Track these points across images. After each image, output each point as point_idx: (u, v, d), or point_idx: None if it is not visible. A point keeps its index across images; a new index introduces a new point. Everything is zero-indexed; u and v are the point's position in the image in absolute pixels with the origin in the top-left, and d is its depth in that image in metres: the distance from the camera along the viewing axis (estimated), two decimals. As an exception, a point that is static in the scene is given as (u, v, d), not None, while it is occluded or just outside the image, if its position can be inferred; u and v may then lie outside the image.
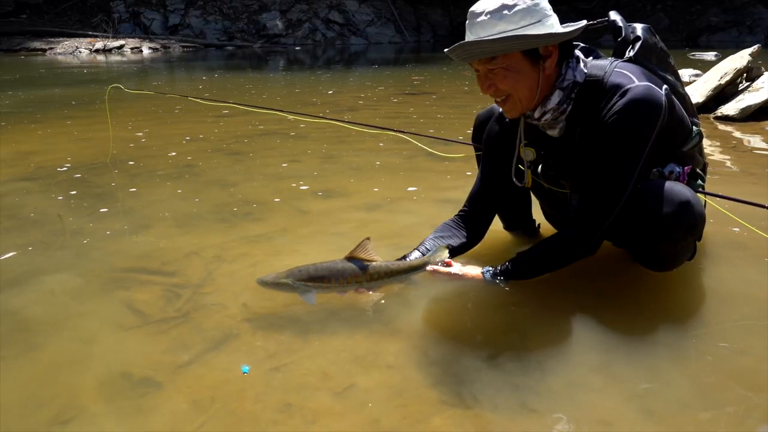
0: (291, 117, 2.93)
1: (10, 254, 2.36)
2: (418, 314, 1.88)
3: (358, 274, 1.86)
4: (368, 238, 1.91)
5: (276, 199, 3.07)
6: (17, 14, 18.96)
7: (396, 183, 3.35)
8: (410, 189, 3.20)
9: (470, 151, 2.41)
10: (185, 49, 18.38)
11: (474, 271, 1.93)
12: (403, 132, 2.68)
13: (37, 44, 16.90)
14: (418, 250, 2.04)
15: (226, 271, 2.20)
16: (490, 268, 1.91)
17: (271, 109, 2.96)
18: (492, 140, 2.06)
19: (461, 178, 3.39)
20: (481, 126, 2.16)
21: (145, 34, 19.12)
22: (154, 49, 17.91)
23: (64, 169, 3.70)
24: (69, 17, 19.91)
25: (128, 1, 20.07)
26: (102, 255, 2.37)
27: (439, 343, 1.73)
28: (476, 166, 2.23)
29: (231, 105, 3.07)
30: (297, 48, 19.60)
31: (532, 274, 1.88)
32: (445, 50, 1.73)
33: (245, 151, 4.19)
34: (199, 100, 3.20)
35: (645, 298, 1.95)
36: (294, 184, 3.32)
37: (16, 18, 18.79)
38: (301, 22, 21.53)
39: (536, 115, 1.80)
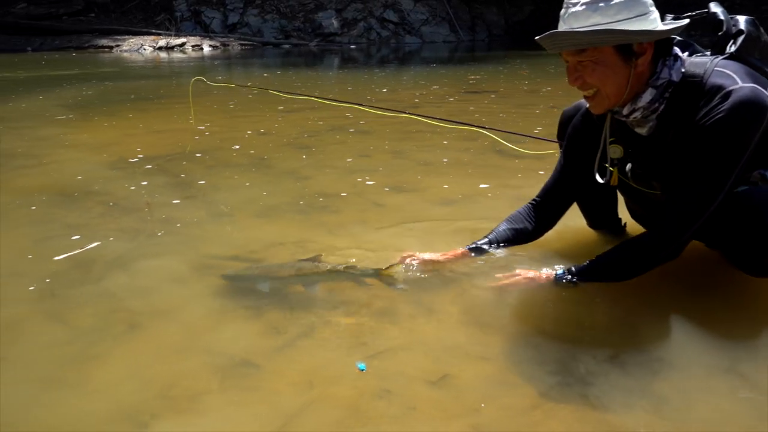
0: (370, 110, 2.95)
1: (107, 240, 2.47)
2: (504, 309, 1.88)
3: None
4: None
5: (350, 193, 3.11)
6: (86, 13, 19.78)
7: (467, 179, 3.34)
8: (482, 186, 3.18)
9: (549, 147, 2.39)
10: (243, 47, 18.78)
11: (541, 272, 1.92)
12: (486, 128, 2.66)
13: (104, 42, 17.59)
14: (488, 238, 2.11)
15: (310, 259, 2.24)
16: (563, 268, 1.89)
17: (351, 103, 2.99)
18: (575, 135, 2.03)
19: (533, 176, 3.35)
20: (566, 122, 2.13)
21: (205, 32, 19.64)
22: (214, 47, 18.37)
23: (144, 159, 3.85)
24: (134, 16, 20.65)
25: (190, 0, 20.66)
26: (189, 241, 2.45)
27: (530, 336, 1.72)
28: (550, 166, 2.21)
29: (310, 98, 3.13)
30: (352, 47, 19.74)
31: (611, 276, 1.84)
32: (536, 38, 1.70)
33: (313, 146, 4.25)
34: (279, 93, 3.27)
35: (739, 297, 1.89)
36: (365, 178, 3.36)
37: (85, 17, 19.61)
38: (356, 21, 21.67)
39: (625, 111, 1.76)
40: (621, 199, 2.25)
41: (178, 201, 2.98)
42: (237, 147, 4.21)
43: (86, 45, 17.24)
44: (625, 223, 2.32)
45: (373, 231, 2.55)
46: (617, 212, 2.31)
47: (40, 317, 1.85)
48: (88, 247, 2.37)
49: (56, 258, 2.25)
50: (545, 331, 1.75)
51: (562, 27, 1.65)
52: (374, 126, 5.07)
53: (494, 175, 3.39)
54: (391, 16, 22.25)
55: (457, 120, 2.74)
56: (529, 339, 1.70)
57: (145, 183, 3.29)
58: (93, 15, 19.83)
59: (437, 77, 9.81)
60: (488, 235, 2.12)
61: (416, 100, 6.89)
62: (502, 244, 2.11)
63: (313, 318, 1.82)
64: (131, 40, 17.79)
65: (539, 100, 6.67)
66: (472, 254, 2.09)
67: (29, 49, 16.64)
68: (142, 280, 2.10)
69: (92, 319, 1.84)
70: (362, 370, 1.54)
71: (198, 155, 3.96)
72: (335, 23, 21.43)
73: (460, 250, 2.12)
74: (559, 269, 1.91)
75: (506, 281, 1.92)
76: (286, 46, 19.67)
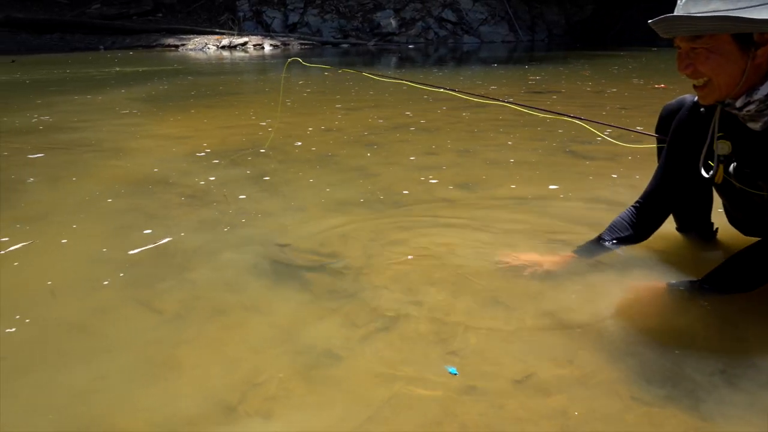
0: (464, 96, 2.95)
1: (188, 230, 2.55)
2: (592, 309, 1.83)
3: None
4: None
5: (419, 189, 3.11)
6: (154, 13, 20.55)
7: (536, 180, 3.28)
8: (552, 187, 3.11)
9: (645, 140, 2.32)
10: (303, 47, 19.08)
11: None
12: (581, 119, 2.59)
13: (170, 41, 18.21)
14: (590, 243, 2.12)
15: (385, 255, 2.25)
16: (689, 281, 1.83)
17: (445, 89, 2.99)
18: (681, 130, 1.94)
19: (606, 179, 3.27)
20: (668, 117, 2.05)
21: (266, 32, 20.05)
22: (275, 46, 18.74)
23: (215, 153, 3.95)
24: (199, 16, 21.30)
25: (252, 0, 21.15)
26: (266, 234, 2.50)
27: (622, 340, 1.66)
28: (624, 168, 2.14)
29: (403, 82, 3.14)
30: (410, 46, 19.75)
31: (740, 286, 1.77)
32: (649, 21, 1.64)
33: (380, 143, 4.27)
34: (372, 76, 3.29)
35: None
36: (433, 176, 3.34)
37: (154, 17, 20.36)
38: (415, 21, 21.67)
39: (738, 104, 1.66)
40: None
41: (251, 194, 3.05)
42: (302, 143, 4.27)
43: (154, 44, 17.89)
44: (716, 228, 2.22)
45: (446, 228, 2.53)
46: (710, 216, 2.21)
47: (127, 303, 1.92)
48: (170, 237, 2.45)
49: (139, 247, 2.34)
50: (642, 338, 1.69)
51: (679, 11, 1.58)
52: (438, 124, 5.05)
53: (564, 177, 3.31)
54: (449, 15, 22.15)
55: (547, 109, 2.69)
56: (624, 346, 1.65)
57: (218, 176, 3.38)
58: (161, 15, 20.57)
59: (496, 77, 9.68)
60: (598, 240, 2.11)
61: (476, 100, 6.81)
62: (610, 244, 2.08)
63: (392, 313, 1.82)
64: (196, 39, 18.36)
65: (605, 101, 6.49)
66: (574, 258, 2.07)
67: (102, 47, 17.40)
68: (223, 270, 2.15)
69: (177, 306, 1.89)
70: (454, 374, 1.50)
71: (263, 151, 4.03)
72: (393, 23, 21.49)
73: (561, 254, 2.10)
74: (679, 281, 1.85)
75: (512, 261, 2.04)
76: (345, 45, 19.86)
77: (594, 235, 2.20)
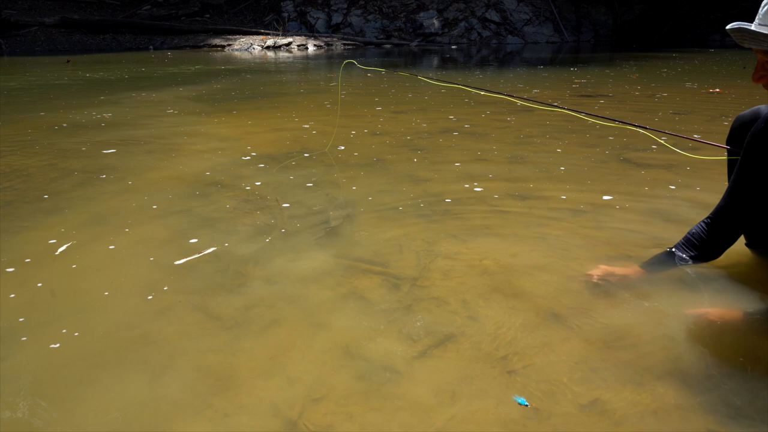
0: (523, 102, 2.91)
1: (242, 234, 2.58)
2: (661, 330, 1.76)
3: None
4: None
5: (470, 197, 3.07)
6: (202, 14, 20.97)
7: (588, 189, 3.19)
8: (606, 197, 3.02)
9: (706, 150, 2.23)
10: (346, 47, 19.17)
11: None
12: (646, 128, 2.50)
13: (217, 41, 18.55)
14: (663, 258, 2.06)
15: (440, 266, 2.22)
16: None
17: (502, 94, 2.95)
18: (756, 143, 1.86)
19: (663, 190, 3.16)
20: (741, 128, 1.97)
21: (310, 32, 20.23)
22: (318, 47, 18.89)
23: (265, 156, 3.99)
24: (245, 16, 21.64)
25: (297, 1, 21.37)
26: (319, 240, 2.50)
27: (695, 365, 1.60)
28: (683, 178, 2.06)
29: (458, 86, 3.12)
30: (453, 47, 19.63)
31: None
32: (727, 27, 1.59)
33: (429, 147, 4.24)
34: (428, 80, 3.28)
35: None
36: (483, 183, 3.30)
37: (201, 17, 20.78)
38: (458, 21, 21.53)
39: None
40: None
41: (302, 199, 3.06)
42: (348, 148, 4.27)
43: (201, 44, 18.26)
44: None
45: (500, 239, 2.49)
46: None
47: (185, 310, 1.94)
48: (225, 243, 2.47)
49: (195, 253, 2.37)
50: (716, 365, 1.62)
51: (757, 24, 1.53)
52: (484, 129, 4.99)
53: (619, 187, 3.22)
54: (493, 15, 21.93)
55: (609, 117, 2.61)
56: (697, 372, 1.58)
57: (269, 180, 3.40)
58: (208, 16, 20.97)
59: (539, 80, 9.49)
60: (659, 255, 2.08)
61: (519, 104, 6.70)
62: (680, 261, 2.03)
63: (450, 328, 1.80)
64: (241, 40, 18.65)
65: (657, 107, 6.30)
66: (641, 273, 2.04)
67: (151, 47, 17.85)
68: (279, 279, 2.16)
69: (235, 314, 1.91)
70: (524, 405, 1.45)
71: (309, 155, 4.05)
72: (436, 23, 21.40)
73: (627, 267, 2.06)
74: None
75: (597, 273, 1.98)
76: (387, 45, 19.87)
77: (656, 251, 2.13)
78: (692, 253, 2.00)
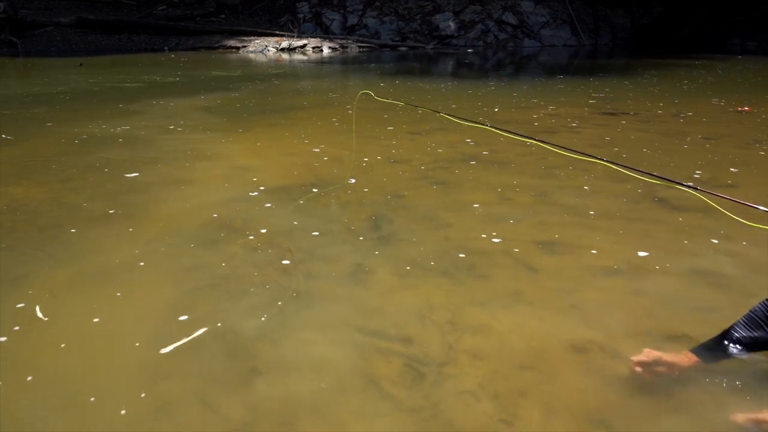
0: (554, 149, 2.70)
1: (251, 299, 2.41)
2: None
3: None
4: None
5: (497, 249, 2.88)
6: (217, 14, 20.85)
7: (623, 241, 2.98)
8: (641, 254, 2.81)
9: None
10: (361, 49, 18.97)
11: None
12: (696, 188, 2.26)
13: (232, 42, 18.42)
14: (727, 340, 1.83)
15: (467, 347, 2.04)
16: None
17: (533, 139, 2.77)
18: None
19: (703, 242, 2.95)
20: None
21: (325, 33, 20.06)
22: (333, 49, 18.70)
23: (278, 189, 3.82)
24: (260, 17, 21.49)
25: (312, 2, 21.20)
26: (332, 307, 2.33)
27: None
28: (724, 228, 1.85)
29: (485, 127, 2.94)
30: (469, 50, 19.37)
31: None
32: None
33: (450, 181, 4.05)
34: (451, 118, 3.10)
35: None
36: (511, 231, 3.11)
37: (216, 18, 20.66)
38: (474, 23, 21.25)
39: None
40: None
41: (315, 249, 2.89)
42: (364, 179, 4.09)
43: (216, 45, 18.14)
44: None
45: (531, 309, 2.30)
46: None
47: (190, 402, 1.78)
48: (232, 314, 2.31)
49: (197, 327, 2.19)
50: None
51: None
52: (506, 156, 4.80)
53: (655, 239, 3.00)
54: (509, 18, 21.63)
55: (620, 163, 2.40)
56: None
57: (281, 223, 3.24)
58: (223, 16, 20.85)
59: (555, 93, 9.19)
60: (727, 336, 1.85)
61: (535, 124, 6.48)
62: (738, 348, 1.82)
63: (481, 436, 1.62)
64: (256, 41, 18.51)
65: (685, 128, 6.06)
66: (695, 363, 1.83)
67: (166, 48, 17.76)
68: (290, 367, 1.98)
69: (244, 413, 1.74)
70: None
71: (322, 191, 3.88)
72: (452, 25, 21.14)
73: (678, 354, 1.86)
74: None
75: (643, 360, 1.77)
76: (403, 48, 19.66)
77: (702, 324, 1.94)
78: (755, 335, 1.79)
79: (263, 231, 3.10)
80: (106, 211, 3.41)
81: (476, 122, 3.20)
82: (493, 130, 3.11)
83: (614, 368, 1.90)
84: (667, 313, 2.26)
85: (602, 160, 2.55)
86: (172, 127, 6.10)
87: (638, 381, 1.83)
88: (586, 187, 3.95)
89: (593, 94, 8.80)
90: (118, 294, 2.41)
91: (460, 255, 2.80)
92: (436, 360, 1.97)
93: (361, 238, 3.01)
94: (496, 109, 7.40)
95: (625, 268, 2.66)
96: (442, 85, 10.22)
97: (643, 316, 2.23)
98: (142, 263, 2.72)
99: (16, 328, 2.17)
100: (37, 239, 3.01)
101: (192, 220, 3.28)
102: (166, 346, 2.04)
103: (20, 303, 2.34)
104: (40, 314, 2.25)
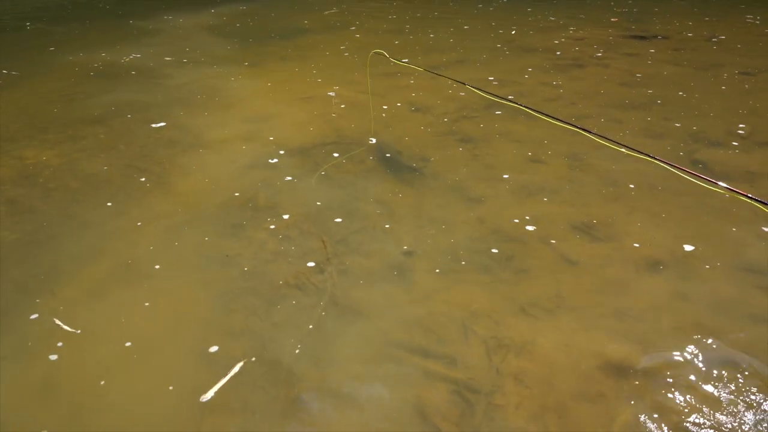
0: (591, 136, 2.52)
1: (284, 316, 2.35)
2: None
3: None
4: None
5: (534, 235, 2.77)
6: None
7: (665, 229, 2.83)
8: (688, 248, 2.66)
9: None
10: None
11: None
12: (758, 200, 2.12)
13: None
14: None
15: (513, 369, 2.00)
16: None
17: (572, 125, 2.58)
18: None
19: (751, 227, 2.82)
20: None
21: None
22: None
23: (297, 152, 3.66)
24: None
25: None
26: (372, 321, 2.27)
27: None
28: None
29: (519, 106, 2.74)
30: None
31: None
32: None
33: (476, 138, 3.85)
34: (479, 92, 2.88)
35: None
36: (546, 210, 2.99)
37: None
38: None
39: None
40: None
41: (346, 236, 2.79)
42: (387, 135, 3.90)
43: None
44: None
45: (575, 316, 2.24)
46: None
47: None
48: (266, 340, 2.25)
49: (233, 358, 2.14)
50: None
51: None
52: (533, 99, 4.54)
53: (699, 226, 2.83)
54: None
55: (633, 147, 2.24)
56: None
57: (307, 201, 3.11)
58: None
59: (573, 6, 8.42)
60: None
61: (558, 53, 6.10)
62: None
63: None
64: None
65: (720, 58, 5.70)
66: None
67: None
68: (335, 389, 1.95)
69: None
70: None
71: (345, 155, 3.69)
72: None
73: None
74: None
75: None
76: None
77: (755, 334, 1.88)
78: None
79: (289, 213, 2.98)
80: (122, 186, 3.28)
81: (504, 99, 2.95)
82: (526, 109, 2.88)
83: (663, 395, 1.86)
84: (717, 321, 2.19)
85: (655, 158, 2.37)
86: (182, 58, 5.84)
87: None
88: (622, 150, 3.74)
89: (615, 9, 8.24)
90: (147, 304, 2.34)
91: (496, 245, 2.70)
92: (483, 387, 1.93)
93: (389, 225, 2.89)
94: (513, 32, 6.95)
95: (670, 262, 2.57)
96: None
97: (690, 325, 2.17)
98: (167, 260, 2.63)
99: (60, 344, 2.13)
100: (52, 228, 2.91)
101: (214, 197, 3.15)
102: (206, 391, 1.99)
103: (37, 314, 2.29)
104: (67, 327, 2.21)
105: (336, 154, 3.60)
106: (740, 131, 3.83)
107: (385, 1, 9.13)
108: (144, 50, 6.21)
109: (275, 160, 3.54)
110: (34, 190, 3.26)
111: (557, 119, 2.52)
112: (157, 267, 2.57)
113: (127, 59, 5.91)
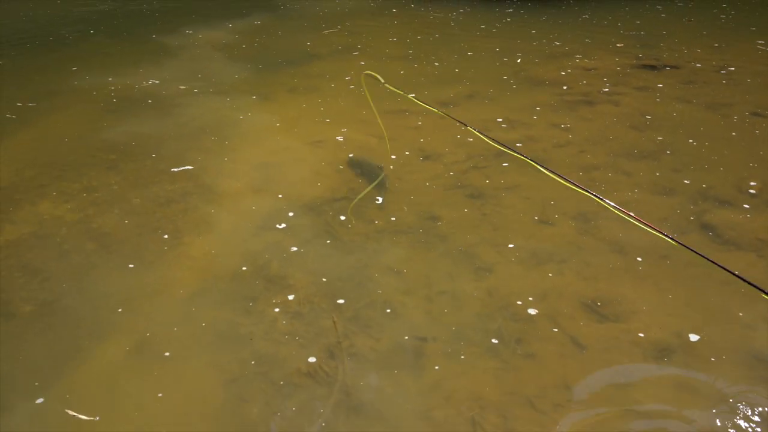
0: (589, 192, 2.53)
1: (299, 396, 2.39)
2: None
3: None
4: None
5: (541, 311, 2.81)
6: None
7: (671, 305, 2.86)
8: (693, 337, 2.66)
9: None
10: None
11: None
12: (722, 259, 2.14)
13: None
14: None
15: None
16: None
17: (589, 192, 2.58)
18: None
19: (759, 305, 2.84)
20: None
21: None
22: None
23: (305, 209, 3.70)
24: None
25: None
26: (384, 416, 2.31)
27: None
28: None
29: (521, 157, 2.74)
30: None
31: None
32: None
33: (485, 194, 3.88)
34: (482, 137, 2.89)
35: None
36: (555, 283, 3.02)
37: None
38: None
39: None
40: None
41: (359, 313, 2.83)
42: (396, 189, 3.93)
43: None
44: None
45: (588, 410, 2.27)
46: None
47: None
48: (279, 417, 2.29)
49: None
50: None
51: None
52: (542, 144, 4.57)
53: (705, 308, 2.82)
54: None
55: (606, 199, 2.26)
56: None
57: (319, 266, 3.16)
58: None
59: (578, 29, 8.29)
60: None
61: (564, 88, 6.10)
62: None
63: None
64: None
65: (730, 95, 5.69)
66: None
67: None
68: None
69: None
70: None
71: (357, 209, 3.72)
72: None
73: None
74: None
75: None
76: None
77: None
78: None
79: (300, 286, 3.02)
80: (135, 249, 3.33)
81: (515, 151, 2.94)
82: (535, 165, 2.88)
83: None
84: (726, 419, 2.22)
85: (618, 209, 2.38)
86: (194, 87, 6.02)
87: None
88: (631, 192, 3.76)
89: (623, 32, 8.16)
90: (160, 395, 2.39)
91: (504, 324, 2.74)
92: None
93: (399, 299, 2.92)
94: (519, 60, 6.94)
95: (676, 348, 2.59)
96: (452, 14, 9.45)
97: (700, 424, 2.20)
98: (180, 338, 2.68)
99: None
100: (67, 298, 2.96)
101: (226, 263, 3.20)
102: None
103: (43, 398, 2.34)
104: (83, 416, 2.26)
105: (342, 217, 3.62)
106: (751, 189, 3.83)
107: (384, 19, 9.13)
108: (161, 74, 6.41)
109: (283, 225, 3.55)
110: (50, 253, 3.31)
111: (569, 180, 2.47)
112: (171, 347, 2.62)
113: (146, 85, 6.10)
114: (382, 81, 3.42)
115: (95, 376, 2.48)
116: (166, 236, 3.44)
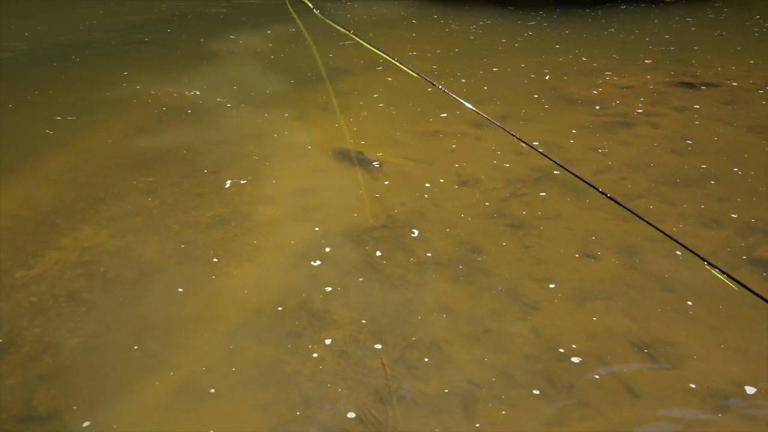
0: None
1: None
2: None
3: None
4: None
5: (592, 355, 2.75)
6: None
7: (726, 350, 2.79)
8: (750, 390, 2.59)
9: None
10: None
11: None
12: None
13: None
14: None
15: None
16: None
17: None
18: None
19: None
20: None
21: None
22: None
23: (344, 241, 3.69)
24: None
25: None
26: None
27: None
28: None
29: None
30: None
31: None
32: None
33: (526, 224, 3.82)
34: (541, 156, 2.85)
35: None
36: (604, 323, 2.96)
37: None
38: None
39: None
40: None
41: (403, 354, 2.80)
42: (435, 218, 3.89)
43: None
44: None
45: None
46: None
47: None
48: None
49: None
50: None
51: None
52: (583, 170, 4.48)
53: (760, 354, 2.78)
54: None
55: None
56: None
57: (361, 300, 3.14)
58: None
59: (606, 43, 8.16)
60: None
61: (597, 108, 6.01)
62: None
63: None
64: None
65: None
66: None
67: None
68: None
69: None
70: None
71: (393, 240, 3.70)
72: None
73: None
74: None
75: None
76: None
77: None
78: None
79: (345, 322, 3.00)
80: (177, 280, 3.34)
81: (578, 177, 2.89)
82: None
83: None
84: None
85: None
86: (230, 99, 6.01)
87: None
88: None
89: (651, 47, 7.98)
90: (212, 436, 2.39)
91: (554, 366, 2.69)
92: None
93: (445, 338, 2.89)
94: (547, 77, 6.84)
95: (732, 396, 2.52)
96: (473, 27, 9.21)
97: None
98: (225, 375, 2.67)
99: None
100: (114, 332, 2.97)
101: (268, 297, 3.19)
102: None
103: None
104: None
105: (379, 253, 3.59)
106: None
107: (402, 31, 8.97)
108: (202, 84, 6.51)
109: (323, 256, 3.53)
110: (95, 282, 3.33)
111: (631, 211, 2.40)
112: (216, 384, 2.61)
113: (189, 95, 6.20)
114: (316, 11, 3.39)
115: (144, 411, 2.48)
116: (206, 268, 3.44)
